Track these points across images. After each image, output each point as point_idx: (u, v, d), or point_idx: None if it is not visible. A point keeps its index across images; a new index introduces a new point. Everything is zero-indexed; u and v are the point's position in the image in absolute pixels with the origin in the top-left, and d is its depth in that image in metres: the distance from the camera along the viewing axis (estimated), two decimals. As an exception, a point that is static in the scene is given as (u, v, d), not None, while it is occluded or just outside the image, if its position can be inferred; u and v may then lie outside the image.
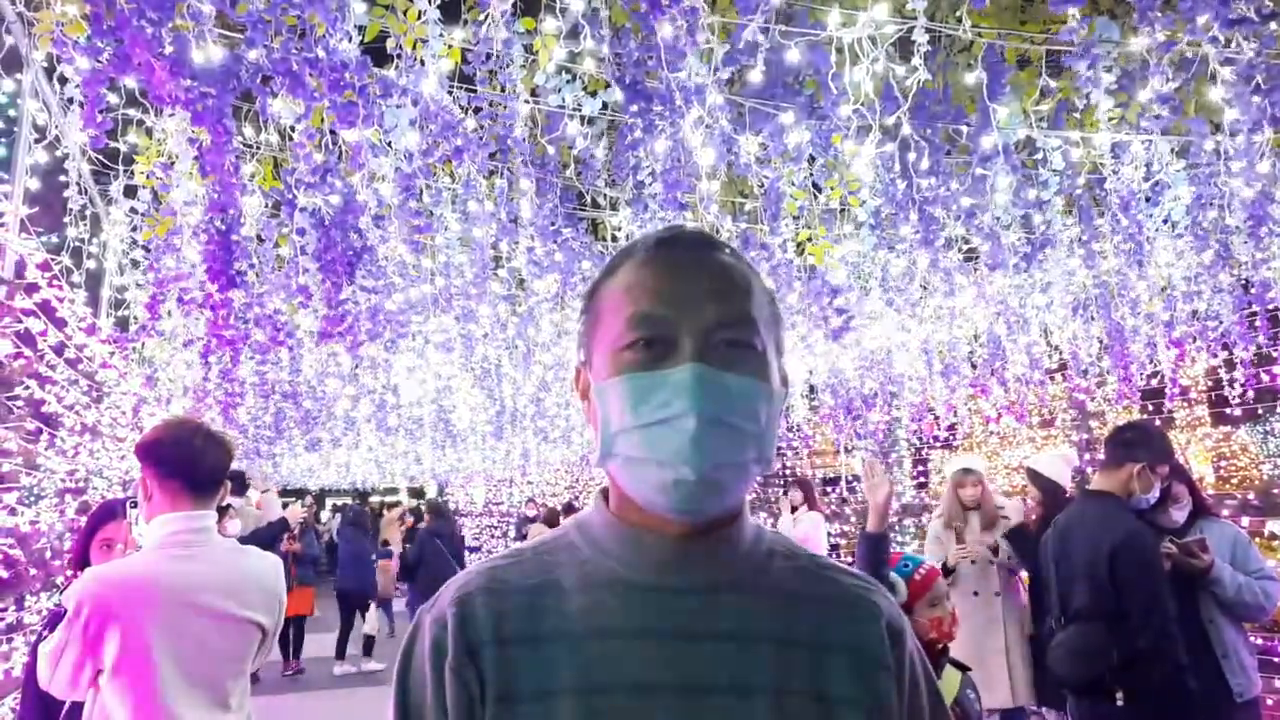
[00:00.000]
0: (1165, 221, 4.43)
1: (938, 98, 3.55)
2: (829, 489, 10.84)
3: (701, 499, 0.93)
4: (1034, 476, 5.18)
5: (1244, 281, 5.66)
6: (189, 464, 2.35)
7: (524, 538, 10.87)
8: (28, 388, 3.48)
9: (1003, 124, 3.47)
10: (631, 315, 0.97)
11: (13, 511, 3.36)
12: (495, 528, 20.17)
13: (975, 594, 5.02)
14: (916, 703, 1.03)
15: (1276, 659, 5.47)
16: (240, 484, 7.90)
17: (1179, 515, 3.88)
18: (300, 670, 9.92)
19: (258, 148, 3.89)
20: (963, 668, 2.94)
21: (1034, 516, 5.20)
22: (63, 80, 3.35)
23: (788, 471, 10.63)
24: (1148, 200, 4.11)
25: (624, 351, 0.97)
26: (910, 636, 1.05)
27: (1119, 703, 3.30)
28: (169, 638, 2.21)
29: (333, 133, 3.32)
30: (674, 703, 0.91)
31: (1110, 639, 3.32)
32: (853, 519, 9.07)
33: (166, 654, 2.21)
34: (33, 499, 3.69)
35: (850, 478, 9.32)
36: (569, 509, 11.63)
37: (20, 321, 3.40)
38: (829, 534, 9.63)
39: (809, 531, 7.55)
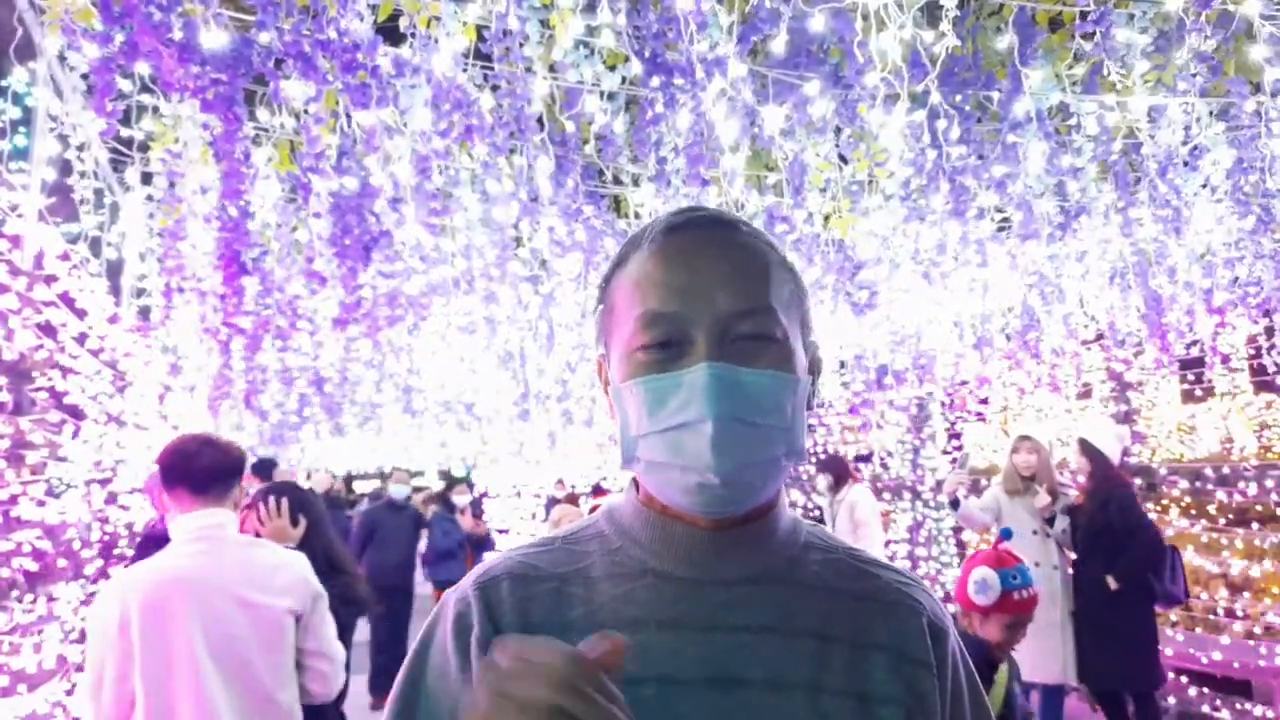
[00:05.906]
0: (1204, 186, 4.30)
1: (967, 64, 3.44)
2: (859, 465, 10.74)
3: (728, 501, 0.90)
4: (1084, 446, 5.02)
5: (1286, 246, 5.48)
6: (183, 469, 2.52)
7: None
8: (50, 379, 3.48)
9: (1035, 89, 3.36)
10: (642, 314, 0.92)
11: (41, 503, 3.36)
12: (520, 509, 20.22)
13: (1035, 565, 4.78)
14: (959, 701, 0.99)
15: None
16: (269, 470, 7.93)
17: None
18: None
19: (273, 131, 3.83)
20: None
21: (1080, 491, 5.07)
22: (74, 69, 3.31)
23: (818, 449, 10.50)
24: (1186, 164, 3.99)
25: (637, 353, 0.92)
26: (953, 634, 1.01)
27: None
28: (202, 626, 2.34)
29: (347, 115, 3.26)
30: (705, 697, 0.88)
31: None
32: (885, 495, 8.98)
33: (200, 642, 2.33)
34: (63, 487, 3.69)
35: (885, 453, 9.21)
36: (597, 490, 11.64)
37: (40, 312, 3.38)
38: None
39: (864, 515, 6.55)
